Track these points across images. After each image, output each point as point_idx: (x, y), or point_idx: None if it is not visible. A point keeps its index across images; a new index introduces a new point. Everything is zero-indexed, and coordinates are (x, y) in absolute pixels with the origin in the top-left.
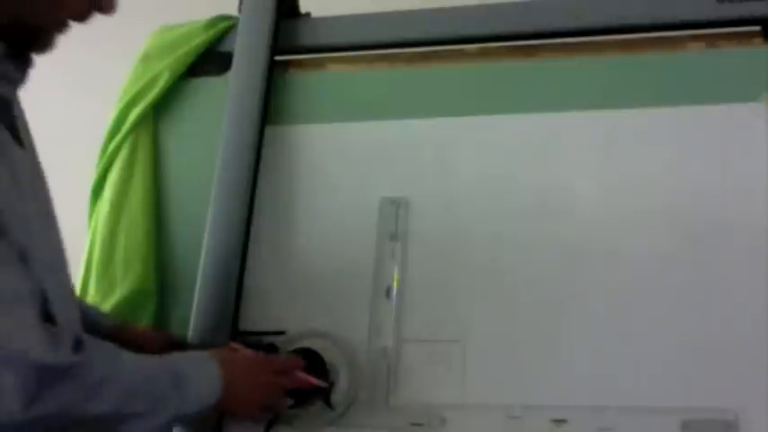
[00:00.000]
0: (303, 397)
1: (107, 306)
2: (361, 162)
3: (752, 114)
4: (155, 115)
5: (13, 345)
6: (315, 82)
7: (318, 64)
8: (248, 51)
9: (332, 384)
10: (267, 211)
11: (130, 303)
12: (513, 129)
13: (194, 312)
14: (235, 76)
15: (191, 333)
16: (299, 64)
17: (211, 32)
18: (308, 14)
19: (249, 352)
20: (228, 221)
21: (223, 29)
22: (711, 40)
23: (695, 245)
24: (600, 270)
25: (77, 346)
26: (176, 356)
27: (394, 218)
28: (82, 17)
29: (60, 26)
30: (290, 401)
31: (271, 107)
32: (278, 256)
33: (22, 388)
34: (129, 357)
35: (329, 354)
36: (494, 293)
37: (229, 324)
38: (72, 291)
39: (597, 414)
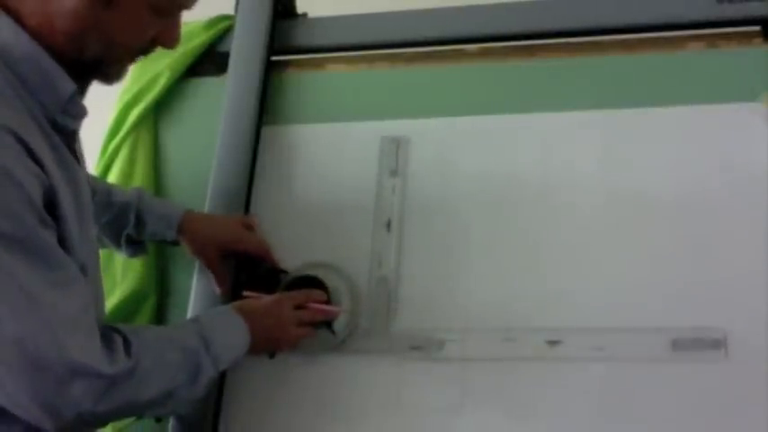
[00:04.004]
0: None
1: (107, 306)
2: (360, 162)
3: (752, 114)
4: (155, 115)
5: (82, 358)
6: (314, 82)
7: (317, 64)
8: (244, 52)
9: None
10: (264, 212)
11: (130, 303)
12: (513, 128)
13: (191, 306)
14: (231, 77)
15: None
16: (298, 64)
17: (211, 32)
18: (304, 15)
19: (267, 296)
20: None
21: (223, 29)
22: (711, 40)
23: (694, 244)
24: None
25: (127, 346)
26: (201, 318)
27: (394, 156)
28: (143, 51)
29: (123, 60)
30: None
31: (268, 107)
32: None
33: (90, 393)
34: (163, 335)
35: (332, 282)
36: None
37: None
38: (103, 292)
39: (590, 335)
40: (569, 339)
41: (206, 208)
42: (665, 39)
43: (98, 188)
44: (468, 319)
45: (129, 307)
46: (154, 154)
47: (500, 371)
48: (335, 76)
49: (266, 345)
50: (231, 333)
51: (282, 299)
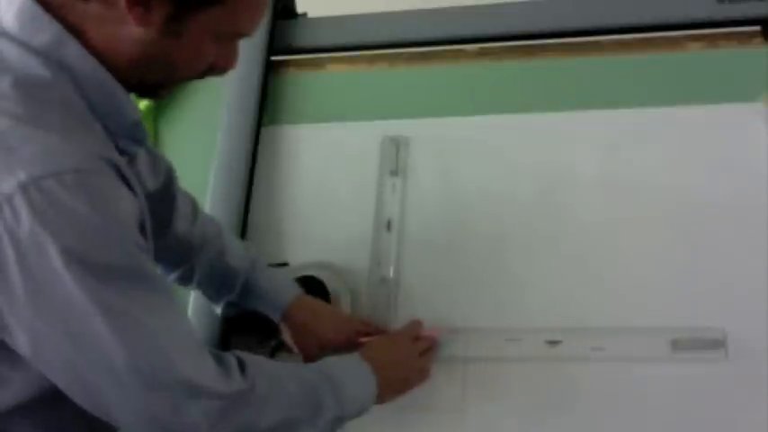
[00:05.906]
0: None
1: None
2: (360, 162)
3: (752, 114)
4: (154, 115)
5: (198, 378)
6: (314, 82)
7: (317, 64)
8: (244, 52)
9: None
10: (263, 212)
11: None
12: (513, 128)
13: (192, 308)
14: (231, 77)
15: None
16: (298, 64)
17: None
18: (304, 15)
19: (380, 338)
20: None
21: None
22: (711, 40)
23: (694, 244)
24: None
25: (242, 368)
26: (329, 361)
27: (394, 156)
28: (200, 76)
29: (178, 83)
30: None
31: (268, 107)
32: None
33: (207, 415)
34: (284, 368)
35: (332, 282)
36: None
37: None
38: None
39: (590, 335)
40: (569, 339)
41: (206, 207)
42: (665, 39)
43: (212, 244)
44: (469, 319)
45: None
46: None
47: (500, 370)
48: (335, 76)
49: (393, 390)
50: (357, 379)
51: (399, 337)
